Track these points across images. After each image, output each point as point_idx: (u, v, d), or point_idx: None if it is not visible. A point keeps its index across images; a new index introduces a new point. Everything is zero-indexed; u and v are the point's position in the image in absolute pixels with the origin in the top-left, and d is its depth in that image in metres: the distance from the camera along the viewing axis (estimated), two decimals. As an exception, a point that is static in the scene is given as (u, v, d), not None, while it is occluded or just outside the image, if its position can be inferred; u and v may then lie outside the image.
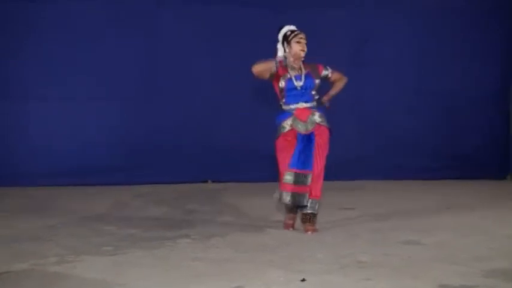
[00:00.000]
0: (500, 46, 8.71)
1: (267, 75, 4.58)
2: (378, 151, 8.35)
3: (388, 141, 8.36)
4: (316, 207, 4.55)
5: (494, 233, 4.48)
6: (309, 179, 4.47)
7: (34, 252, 3.82)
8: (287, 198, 4.46)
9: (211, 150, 7.88)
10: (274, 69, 4.53)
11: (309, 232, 4.51)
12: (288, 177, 4.45)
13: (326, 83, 4.87)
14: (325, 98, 4.80)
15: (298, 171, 4.46)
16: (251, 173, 7.78)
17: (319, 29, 8.09)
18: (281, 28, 4.68)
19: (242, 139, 7.86)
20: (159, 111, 7.97)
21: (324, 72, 4.74)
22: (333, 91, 4.86)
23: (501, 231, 4.58)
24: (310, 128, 4.55)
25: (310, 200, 4.51)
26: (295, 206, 4.58)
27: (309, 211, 4.53)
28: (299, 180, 4.45)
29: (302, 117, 4.56)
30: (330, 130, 4.68)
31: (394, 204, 6.12)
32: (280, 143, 4.60)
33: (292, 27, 4.67)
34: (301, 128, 4.54)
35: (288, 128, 4.58)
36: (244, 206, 5.93)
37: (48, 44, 7.65)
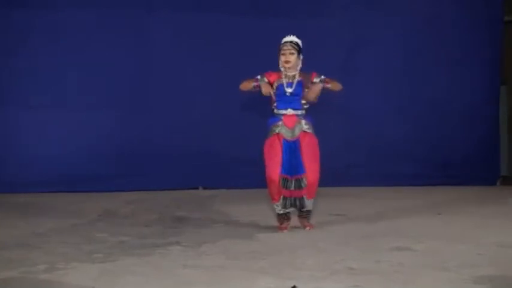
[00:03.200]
0: (488, 53, 8.78)
1: (251, 90, 4.92)
2: (368, 158, 8.39)
3: (379, 148, 8.41)
4: (311, 205, 4.99)
5: (483, 240, 4.50)
6: (303, 183, 4.82)
7: (24, 259, 3.80)
8: (282, 202, 4.89)
9: (202, 157, 7.89)
10: (252, 88, 4.87)
11: (307, 228, 4.93)
12: (283, 183, 4.82)
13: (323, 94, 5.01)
14: (325, 83, 4.90)
15: (287, 177, 4.82)
16: (242, 179, 7.79)
17: (309, 37, 8.08)
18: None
19: (233, 146, 7.87)
20: (149, 119, 7.97)
21: (316, 79, 4.90)
22: (329, 83, 4.93)
23: (490, 238, 4.60)
24: (295, 134, 4.83)
25: (307, 200, 4.92)
26: (287, 208, 4.94)
27: (305, 209, 4.95)
28: (291, 185, 4.83)
29: (289, 124, 4.83)
30: (315, 138, 4.94)
31: (385, 210, 6.13)
32: (268, 144, 4.87)
33: (288, 38, 4.92)
34: (287, 134, 4.83)
35: (276, 131, 4.86)
36: (235, 212, 5.93)
37: (40, 52, 7.65)
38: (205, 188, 8.06)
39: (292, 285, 3.17)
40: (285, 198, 4.87)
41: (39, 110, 7.68)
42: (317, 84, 4.88)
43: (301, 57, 4.95)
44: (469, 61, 8.71)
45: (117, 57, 7.85)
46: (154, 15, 8.01)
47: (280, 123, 4.84)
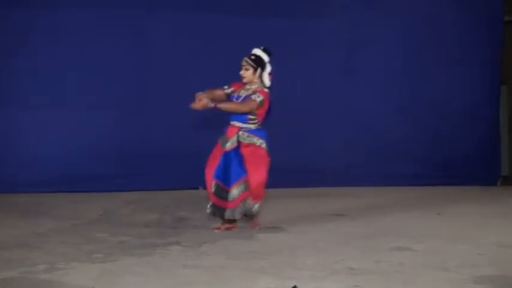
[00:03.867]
0: (488, 53, 8.77)
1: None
2: (368, 158, 8.39)
3: (379, 148, 8.39)
4: (257, 207, 4.95)
5: (484, 240, 4.50)
6: (231, 194, 4.86)
7: (24, 259, 3.80)
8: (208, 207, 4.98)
9: (202, 157, 7.82)
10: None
11: (257, 228, 4.96)
12: (213, 188, 4.91)
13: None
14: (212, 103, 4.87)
15: (220, 184, 4.90)
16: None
17: (309, 37, 8.18)
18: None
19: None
20: (149, 119, 7.96)
21: (254, 96, 4.88)
22: (225, 104, 4.92)
23: (491, 238, 4.60)
24: (231, 145, 4.90)
25: (256, 204, 4.92)
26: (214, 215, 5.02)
27: (252, 212, 4.95)
28: (219, 193, 4.89)
29: (229, 134, 4.95)
30: (263, 148, 4.93)
31: (385, 210, 6.13)
32: (214, 150, 5.01)
33: (253, 51, 4.99)
34: (223, 144, 4.94)
35: (220, 139, 5.00)
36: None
37: (40, 52, 7.63)
38: (205, 188, 8.02)
39: (292, 285, 3.17)
40: (223, 209, 4.90)
41: (39, 110, 7.66)
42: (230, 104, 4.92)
43: (266, 70, 4.95)
44: (469, 61, 8.71)
45: (117, 57, 7.83)
46: (154, 15, 7.99)
47: (225, 132, 4.98)
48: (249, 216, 4.99)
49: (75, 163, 7.65)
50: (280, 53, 7.82)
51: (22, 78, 7.64)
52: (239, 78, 5.12)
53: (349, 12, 8.44)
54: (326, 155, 8.11)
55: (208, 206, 4.99)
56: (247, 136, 4.92)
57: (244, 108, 4.86)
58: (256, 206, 4.93)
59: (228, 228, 4.97)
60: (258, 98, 4.85)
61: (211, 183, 4.94)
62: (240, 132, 4.91)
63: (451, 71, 8.66)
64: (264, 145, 4.94)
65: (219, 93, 4.97)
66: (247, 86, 4.98)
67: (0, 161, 7.57)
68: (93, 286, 3.19)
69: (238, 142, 4.91)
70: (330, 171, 8.10)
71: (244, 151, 4.89)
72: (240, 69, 4.95)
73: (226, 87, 5.02)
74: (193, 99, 7.87)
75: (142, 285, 3.25)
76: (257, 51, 4.98)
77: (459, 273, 3.47)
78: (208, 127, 7.97)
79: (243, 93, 4.95)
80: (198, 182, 8.08)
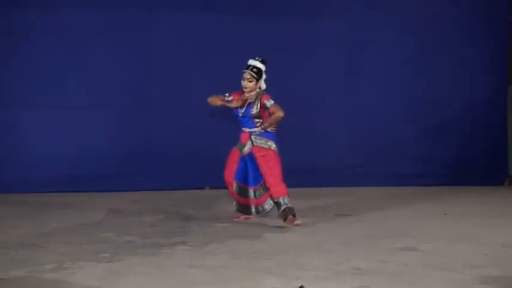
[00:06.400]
0: (492, 53, 8.77)
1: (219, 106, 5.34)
2: (369, 158, 8.37)
3: (384, 148, 8.37)
4: (286, 200, 5.15)
5: (489, 241, 4.52)
6: (252, 193, 5.38)
7: (30, 259, 3.81)
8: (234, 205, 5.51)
9: (209, 157, 7.82)
10: (220, 105, 5.28)
11: (296, 223, 5.10)
12: (235, 188, 5.39)
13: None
14: (262, 125, 5.25)
15: (241, 184, 5.38)
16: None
17: (309, 37, 8.17)
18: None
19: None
20: (149, 118, 7.94)
21: (265, 102, 5.19)
22: (268, 121, 5.21)
23: (496, 238, 4.62)
24: (247, 150, 5.30)
25: (280, 198, 5.15)
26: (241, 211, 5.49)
27: (282, 207, 5.14)
28: (241, 192, 5.39)
29: (242, 140, 5.36)
30: (273, 150, 5.25)
31: (391, 211, 6.14)
32: (230, 155, 5.43)
33: (250, 62, 5.24)
34: (240, 150, 5.35)
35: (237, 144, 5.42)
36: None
37: (41, 52, 7.60)
38: (211, 188, 8.04)
39: (299, 285, 3.19)
40: (248, 206, 5.43)
41: (39, 110, 7.63)
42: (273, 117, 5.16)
43: (263, 78, 5.25)
44: (471, 61, 8.67)
45: (117, 57, 7.81)
46: (154, 15, 7.97)
47: (239, 138, 5.37)
48: (282, 213, 5.13)
49: (76, 163, 7.63)
50: (280, 53, 7.89)
51: (22, 78, 7.62)
52: (239, 79, 5.22)
53: (349, 12, 8.43)
54: (327, 155, 8.10)
55: (234, 204, 5.50)
56: (259, 139, 5.26)
57: (281, 113, 5.14)
58: (282, 199, 5.13)
59: (246, 219, 5.44)
60: (272, 100, 5.17)
61: (233, 185, 5.39)
62: (252, 137, 5.28)
63: (451, 71, 8.64)
64: (274, 145, 5.27)
65: (220, 100, 5.28)
66: (248, 94, 5.23)
67: (0, 161, 7.55)
68: (99, 286, 3.20)
69: (253, 145, 5.28)
70: (330, 171, 8.10)
71: (256, 154, 5.25)
72: (242, 79, 5.21)
73: (227, 95, 5.30)
74: (193, 99, 7.97)
75: (148, 285, 3.26)
76: (257, 64, 5.22)
77: (465, 274, 3.49)
78: (208, 127, 8.01)
79: (247, 102, 5.23)
80: (200, 182, 8.10)
